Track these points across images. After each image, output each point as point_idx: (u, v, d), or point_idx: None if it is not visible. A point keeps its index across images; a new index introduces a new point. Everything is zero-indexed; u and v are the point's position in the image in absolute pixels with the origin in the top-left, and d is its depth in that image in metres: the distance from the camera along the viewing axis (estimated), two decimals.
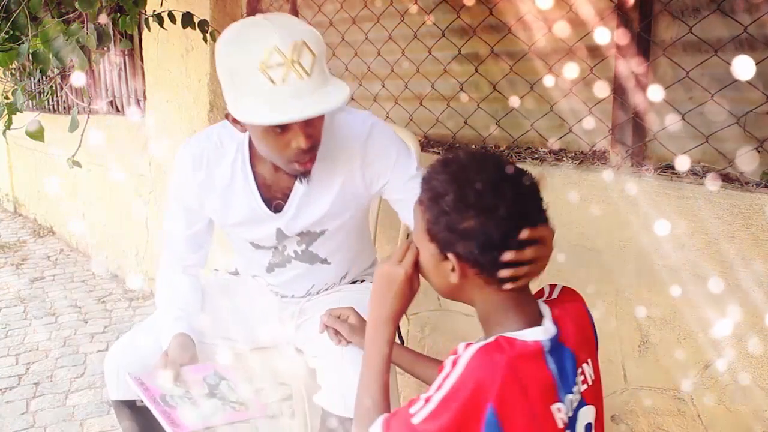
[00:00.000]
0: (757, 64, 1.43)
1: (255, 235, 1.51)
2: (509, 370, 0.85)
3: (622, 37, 1.63)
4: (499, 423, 0.84)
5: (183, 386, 1.33)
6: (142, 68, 3.32)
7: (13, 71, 3.86)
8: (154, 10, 2.31)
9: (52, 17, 1.93)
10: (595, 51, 1.73)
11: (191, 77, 2.85)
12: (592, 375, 0.98)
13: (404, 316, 2.12)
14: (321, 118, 1.31)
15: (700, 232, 1.46)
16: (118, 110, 3.92)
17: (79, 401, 2.54)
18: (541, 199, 0.94)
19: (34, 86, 4.55)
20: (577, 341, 0.95)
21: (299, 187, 1.43)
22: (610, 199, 1.61)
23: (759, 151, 1.48)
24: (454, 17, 2.01)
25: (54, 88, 3.87)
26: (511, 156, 1.92)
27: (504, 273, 0.91)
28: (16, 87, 1.92)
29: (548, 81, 1.83)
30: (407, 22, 2.14)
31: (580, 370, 0.95)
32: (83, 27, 1.86)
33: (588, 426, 0.96)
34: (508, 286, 0.92)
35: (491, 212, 0.88)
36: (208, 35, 2.31)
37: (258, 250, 1.54)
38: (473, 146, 2.07)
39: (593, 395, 0.97)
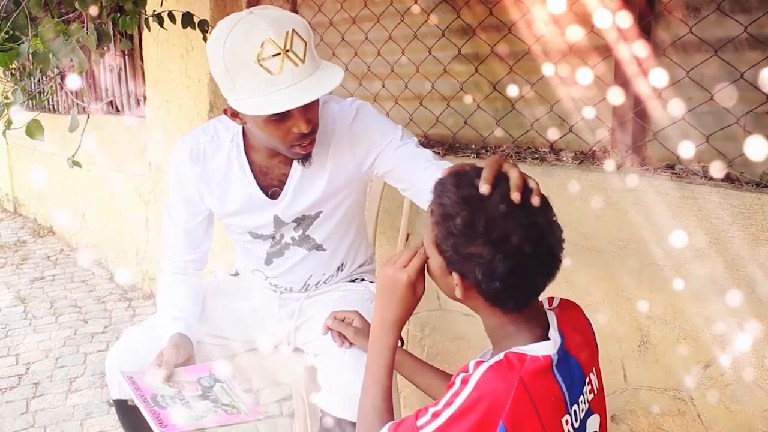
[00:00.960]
0: (757, 64, 1.43)
1: (253, 223, 1.52)
2: (520, 388, 0.84)
3: (622, 36, 1.63)
4: None
5: (176, 386, 1.33)
6: (142, 68, 3.32)
7: (13, 71, 3.85)
8: (154, 10, 2.32)
9: (52, 17, 1.93)
10: (595, 50, 1.73)
11: (191, 77, 2.85)
12: (597, 384, 0.98)
13: None
14: (317, 102, 1.33)
15: (700, 231, 1.46)
16: (117, 110, 3.92)
17: (79, 401, 2.54)
18: (559, 233, 0.91)
19: (34, 86, 4.55)
20: (583, 351, 0.95)
21: (294, 174, 1.45)
22: (610, 199, 1.61)
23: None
24: (454, 17, 2.01)
25: (54, 88, 3.87)
26: (512, 156, 1.92)
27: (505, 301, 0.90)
28: (16, 87, 1.92)
29: (548, 81, 1.83)
30: (407, 22, 2.14)
31: (587, 380, 0.95)
32: (83, 27, 1.86)
33: None
34: (510, 308, 0.92)
35: (498, 245, 0.86)
36: (208, 35, 2.31)
37: (256, 240, 1.55)
38: (473, 146, 2.07)
39: (598, 404, 0.97)
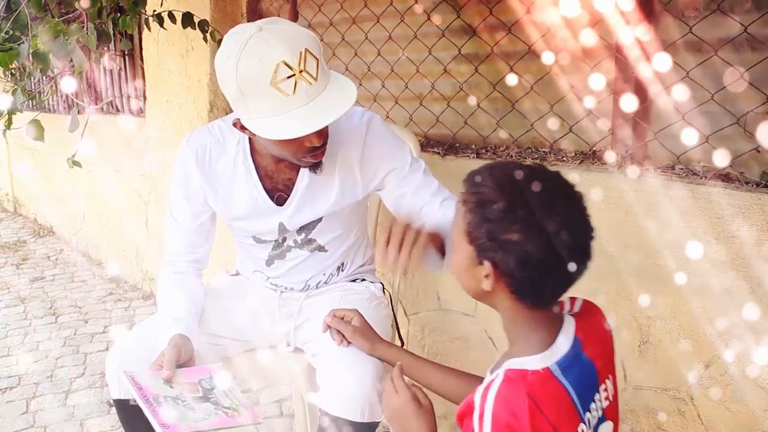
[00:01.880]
0: (757, 64, 1.43)
1: (258, 229, 1.52)
2: (531, 403, 0.83)
3: (622, 36, 1.63)
4: None
5: (177, 388, 1.33)
6: (142, 68, 3.32)
7: (13, 71, 3.85)
8: (154, 10, 2.32)
9: (52, 17, 1.92)
10: (595, 50, 1.73)
11: (191, 77, 2.85)
12: (612, 391, 0.98)
13: (404, 317, 2.12)
14: None
15: (701, 231, 1.46)
16: (117, 110, 3.92)
17: (79, 401, 2.54)
18: (591, 230, 0.92)
19: (34, 86, 4.55)
20: (601, 358, 0.95)
21: (301, 182, 1.45)
22: (611, 199, 1.61)
23: (759, 152, 1.48)
24: (455, 17, 2.01)
25: (54, 88, 3.87)
26: (512, 156, 1.92)
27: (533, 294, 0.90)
28: (16, 87, 1.92)
29: (549, 80, 1.83)
30: (407, 22, 2.14)
31: (603, 387, 0.95)
32: (83, 27, 1.86)
33: None
34: (534, 304, 0.92)
35: (537, 231, 0.86)
36: (208, 35, 2.31)
37: (259, 244, 1.56)
38: (473, 146, 2.07)
39: (612, 411, 0.97)
